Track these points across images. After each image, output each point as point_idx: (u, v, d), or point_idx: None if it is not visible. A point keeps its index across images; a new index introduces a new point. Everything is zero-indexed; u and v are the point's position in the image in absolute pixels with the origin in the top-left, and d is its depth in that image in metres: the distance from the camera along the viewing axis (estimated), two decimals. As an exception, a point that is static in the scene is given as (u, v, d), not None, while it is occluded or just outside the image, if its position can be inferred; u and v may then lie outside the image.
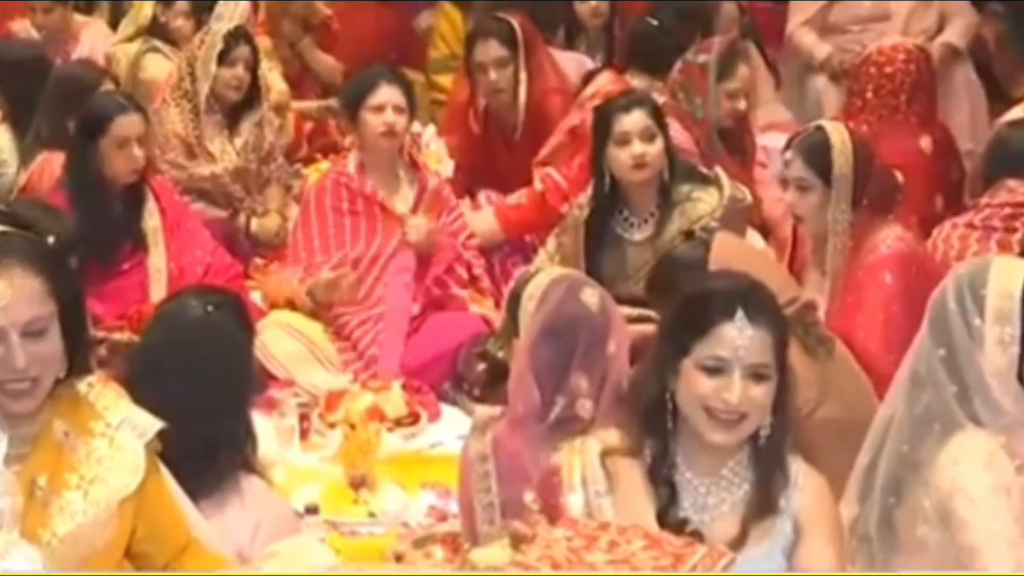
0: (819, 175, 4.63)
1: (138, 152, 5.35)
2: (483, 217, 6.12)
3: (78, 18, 7.78)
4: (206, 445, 3.39)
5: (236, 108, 6.42)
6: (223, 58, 6.30)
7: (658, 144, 5.21)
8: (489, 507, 3.49)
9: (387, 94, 5.62)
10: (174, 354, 3.50)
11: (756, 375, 2.97)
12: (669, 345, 3.05)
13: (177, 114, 6.35)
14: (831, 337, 4.09)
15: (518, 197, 6.10)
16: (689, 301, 3.10)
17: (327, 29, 7.94)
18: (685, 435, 3.03)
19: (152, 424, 3.01)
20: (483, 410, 3.91)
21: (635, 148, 5.18)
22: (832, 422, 3.71)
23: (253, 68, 6.41)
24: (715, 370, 2.97)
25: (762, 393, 2.98)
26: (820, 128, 4.80)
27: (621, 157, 5.20)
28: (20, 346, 2.84)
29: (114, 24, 7.95)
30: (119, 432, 2.98)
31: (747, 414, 2.98)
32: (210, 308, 3.58)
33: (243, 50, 6.36)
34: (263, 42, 7.38)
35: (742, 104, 5.99)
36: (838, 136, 4.69)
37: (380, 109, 5.59)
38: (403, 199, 5.69)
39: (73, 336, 2.95)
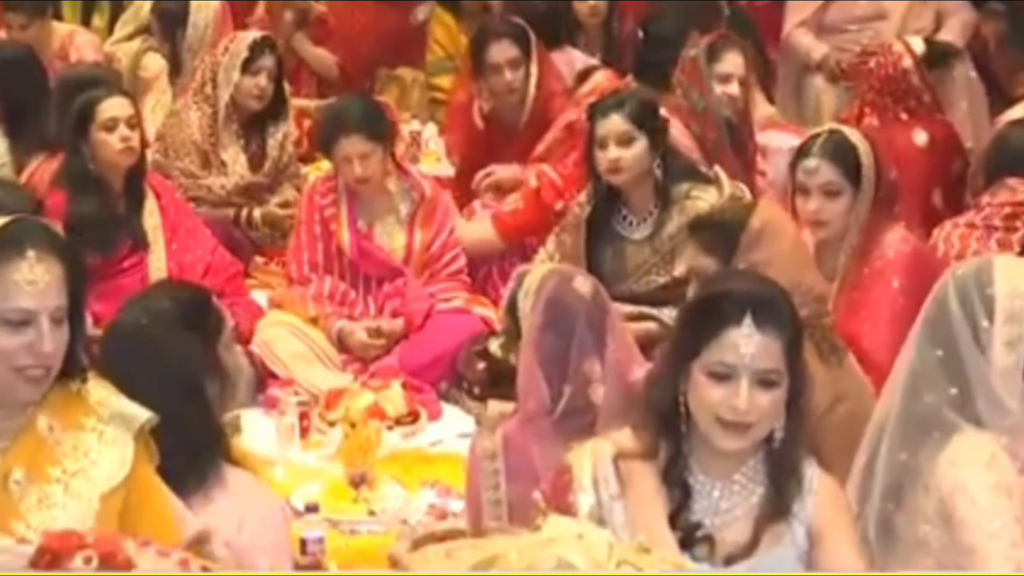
0: (848, 177, 4.61)
1: (128, 133, 5.38)
2: (480, 227, 6.03)
3: (60, 27, 7.58)
4: (180, 444, 3.36)
5: (254, 119, 6.38)
6: (247, 67, 6.26)
7: (637, 147, 5.18)
8: (496, 504, 3.49)
9: (348, 147, 5.52)
10: (118, 364, 3.44)
11: (764, 382, 2.93)
12: (680, 347, 3.01)
13: (197, 118, 6.32)
14: (844, 347, 4.10)
15: (514, 202, 6.05)
16: (700, 303, 3.08)
17: (322, 25, 7.93)
18: (697, 438, 3.00)
19: (139, 414, 3.00)
20: (495, 406, 3.91)
21: (610, 153, 5.19)
22: (844, 423, 3.71)
23: (278, 79, 6.38)
24: (723, 376, 2.93)
25: (769, 400, 2.94)
26: (837, 131, 4.80)
27: (600, 160, 5.22)
28: (49, 332, 2.87)
29: (115, 23, 7.91)
30: (108, 427, 2.98)
31: (755, 423, 2.94)
32: (144, 322, 3.55)
33: (267, 60, 6.30)
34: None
35: (734, 88, 5.98)
36: (856, 137, 4.72)
37: (347, 160, 5.55)
38: (388, 229, 5.69)
39: (75, 332, 2.96)
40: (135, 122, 5.45)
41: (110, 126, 5.37)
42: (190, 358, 3.53)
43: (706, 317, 2.98)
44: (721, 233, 4.08)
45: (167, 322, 3.56)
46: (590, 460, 3.01)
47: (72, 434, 2.95)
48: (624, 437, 3.06)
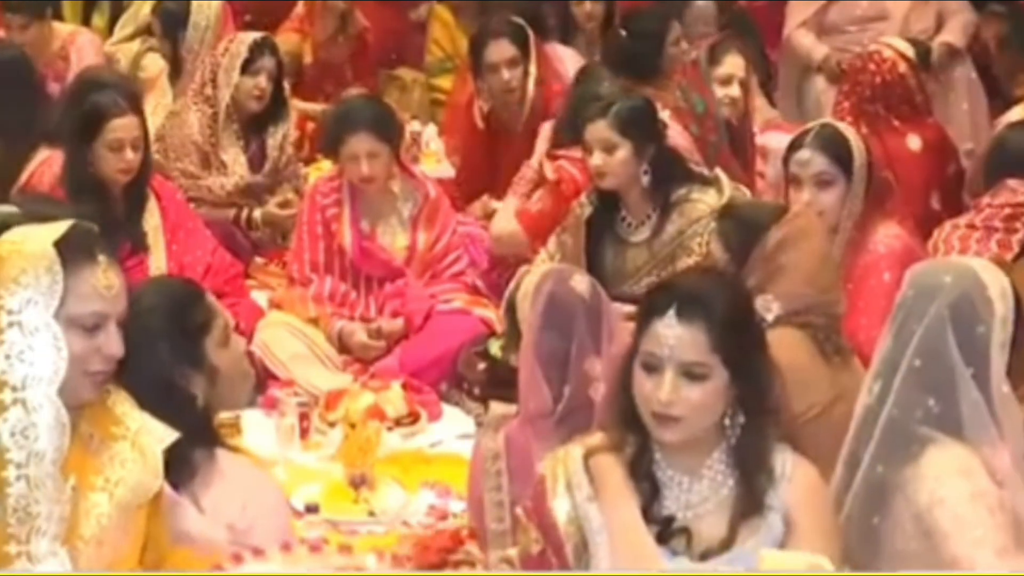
0: (841, 167, 4.71)
1: (131, 156, 5.34)
2: (503, 218, 5.95)
3: (60, 28, 7.54)
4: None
5: (254, 119, 6.38)
6: (246, 67, 6.27)
7: (620, 154, 5.16)
8: (499, 505, 3.51)
9: (356, 145, 5.54)
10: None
11: (690, 374, 2.95)
12: (633, 343, 3.07)
13: (197, 119, 6.32)
14: (849, 348, 4.10)
15: (539, 200, 5.87)
16: (642, 298, 3.13)
17: (362, 41, 7.95)
18: None
19: (167, 433, 3.02)
20: (498, 407, 3.92)
21: (594, 159, 5.19)
22: (843, 422, 3.71)
23: (277, 80, 6.38)
24: (652, 368, 2.97)
25: (698, 394, 2.95)
26: (829, 124, 4.93)
27: (589, 164, 5.23)
28: (116, 334, 2.89)
29: (115, 23, 7.91)
30: (139, 437, 2.98)
31: (682, 416, 2.96)
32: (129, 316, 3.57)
33: (267, 61, 6.31)
34: (290, 39, 7.40)
35: (735, 90, 6.02)
36: (848, 130, 4.85)
37: (354, 159, 5.57)
38: (391, 230, 5.71)
39: None
40: (139, 144, 5.38)
41: (115, 147, 5.31)
42: (169, 352, 3.53)
43: (642, 310, 3.04)
44: (742, 232, 4.08)
45: (150, 316, 3.57)
46: (562, 466, 3.05)
47: (107, 444, 2.96)
48: (593, 438, 3.10)
